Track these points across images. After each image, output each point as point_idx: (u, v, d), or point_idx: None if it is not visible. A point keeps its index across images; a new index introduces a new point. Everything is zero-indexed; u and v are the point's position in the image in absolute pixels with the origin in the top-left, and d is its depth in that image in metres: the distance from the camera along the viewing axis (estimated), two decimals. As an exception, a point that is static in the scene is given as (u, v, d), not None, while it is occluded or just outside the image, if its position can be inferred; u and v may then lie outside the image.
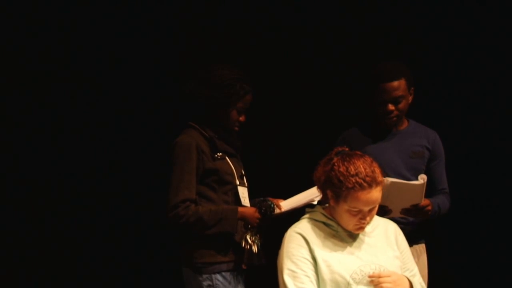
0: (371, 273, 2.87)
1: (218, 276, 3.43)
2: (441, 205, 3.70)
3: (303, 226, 2.96)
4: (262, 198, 3.50)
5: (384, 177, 3.32)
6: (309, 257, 2.87)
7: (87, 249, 4.52)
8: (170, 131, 3.64)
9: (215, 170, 3.46)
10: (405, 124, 3.78)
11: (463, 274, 4.62)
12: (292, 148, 4.58)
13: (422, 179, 3.42)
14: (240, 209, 3.46)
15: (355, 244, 2.94)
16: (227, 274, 3.45)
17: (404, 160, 3.66)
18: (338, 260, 2.87)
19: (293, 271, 2.85)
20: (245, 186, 3.58)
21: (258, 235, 3.50)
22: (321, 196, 3.33)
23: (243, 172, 3.61)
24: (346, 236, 2.94)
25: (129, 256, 4.56)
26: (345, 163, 2.85)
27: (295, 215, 3.36)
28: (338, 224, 2.93)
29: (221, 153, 3.50)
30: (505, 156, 4.58)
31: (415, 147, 3.71)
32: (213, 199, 3.47)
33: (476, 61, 4.57)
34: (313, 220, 2.98)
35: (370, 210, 2.87)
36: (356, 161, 2.85)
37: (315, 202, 3.45)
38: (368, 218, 2.88)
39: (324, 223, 2.96)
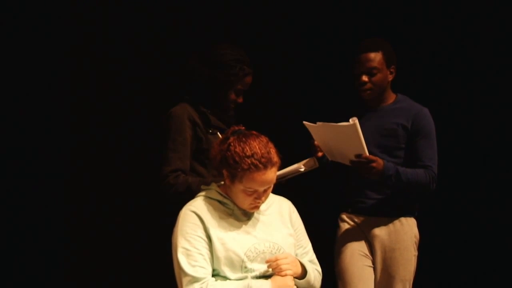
0: (265, 251, 2.89)
1: None
2: (406, 174, 3.57)
3: (198, 204, 2.94)
4: None
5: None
6: (203, 235, 2.87)
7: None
8: (167, 107, 3.52)
9: (208, 145, 3.40)
10: (390, 100, 3.74)
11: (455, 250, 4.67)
12: (287, 125, 4.31)
13: (352, 120, 3.38)
14: None
15: (250, 222, 2.95)
16: None
17: (374, 138, 3.62)
18: (233, 238, 2.88)
19: (187, 250, 2.84)
20: None
21: None
22: (317, 165, 3.42)
23: None
24: (241, 214, 2.95)
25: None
26: (241, 143, 2.84)
27: (292, 185, 3.43)
28: (233, 203, 2.93)
29: (213, 129, 3.45)
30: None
31: (390, 124, 3.67)
32: (203, 174, 3.39)
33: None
34: (208, 198, 2.96)
35: (265, 190, 2.88)
36: (252, 142, 2.84)
37: (315, 167, 3.46)
38: (263, 198, 2.90)
39: (219, 202, 2.95)
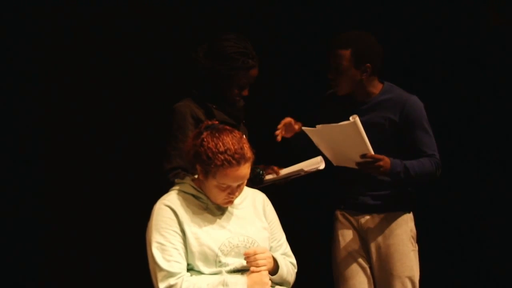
0: (239, 245, 2.90)
1: None
2: (413, 167, 3.51)
3: (172, 198, 2.94)
4: (255, 166, 3.29)
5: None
6: (178, 229, 2.87)
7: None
8: (175, 101, 3.49)
9: None
10: (376, 91, 3.59)
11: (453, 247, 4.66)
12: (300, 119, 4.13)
13: (352, 118, 3.30)
14: None
15: (224, 216, 2.95)
16: None
17: None
18: (207, 233, 2.88)
19: (161, 244, 2.84)
20: None
21: None
22: (323, 166, 3.42)
23: None
24: (215, 208, 2.95)
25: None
26: (214, 139, 2.83)
27: (295, 184, 3.43)
28: (207, 197, 2.93)
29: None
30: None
31: (377, 119, 3.56)
32: None
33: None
34: (182, 193, 2.96)
35: (239, 185, 2.88)
36: (225, 137, 2.83)
37: (321, 167, 3.45)
38: (237, 193, 2.90)
39: (194, 196, 2.95)
